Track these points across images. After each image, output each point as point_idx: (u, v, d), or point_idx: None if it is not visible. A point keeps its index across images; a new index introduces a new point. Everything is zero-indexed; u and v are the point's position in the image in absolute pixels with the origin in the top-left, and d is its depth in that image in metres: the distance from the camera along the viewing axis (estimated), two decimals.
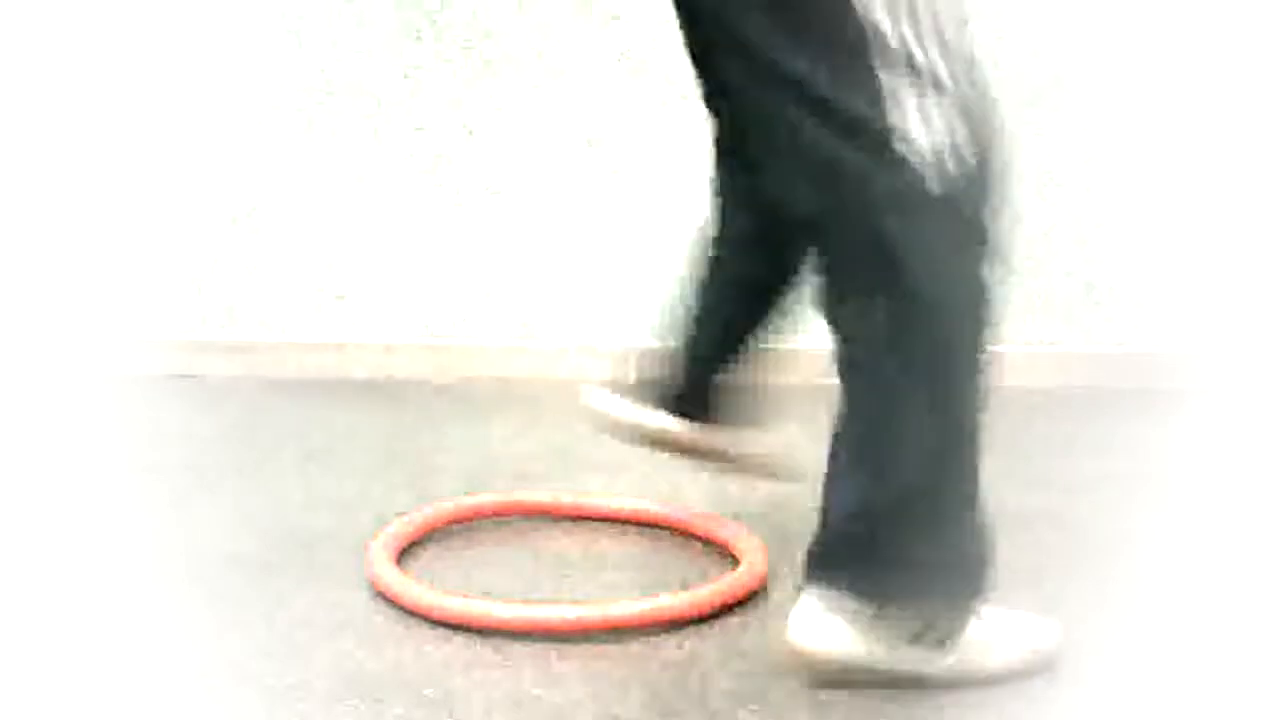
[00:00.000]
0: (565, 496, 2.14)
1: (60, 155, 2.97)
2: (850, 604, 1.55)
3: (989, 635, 1.61)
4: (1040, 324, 3.03)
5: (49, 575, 1.87)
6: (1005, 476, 2.08)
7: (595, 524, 2.10)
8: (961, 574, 1.58)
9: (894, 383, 1.51)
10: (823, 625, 1.56)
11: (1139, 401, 2.80)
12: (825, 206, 1.52)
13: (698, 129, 3.02)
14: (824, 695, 1.56)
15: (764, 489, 2.26)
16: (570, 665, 1.63)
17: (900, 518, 1.53)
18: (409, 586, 1.78)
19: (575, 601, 1.79)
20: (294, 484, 2.26)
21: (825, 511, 1.58)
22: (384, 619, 1.75)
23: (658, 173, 2.98)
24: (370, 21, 2.94)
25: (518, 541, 2.04)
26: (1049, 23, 2.95)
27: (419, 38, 2.93)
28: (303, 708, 1.52)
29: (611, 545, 2.03)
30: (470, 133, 2.96)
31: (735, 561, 1.90)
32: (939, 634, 1.57)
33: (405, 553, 1.94)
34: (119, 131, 2.96)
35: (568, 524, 2.11)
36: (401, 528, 1.96)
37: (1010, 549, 1.99)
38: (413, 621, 1.74)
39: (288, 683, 1.57)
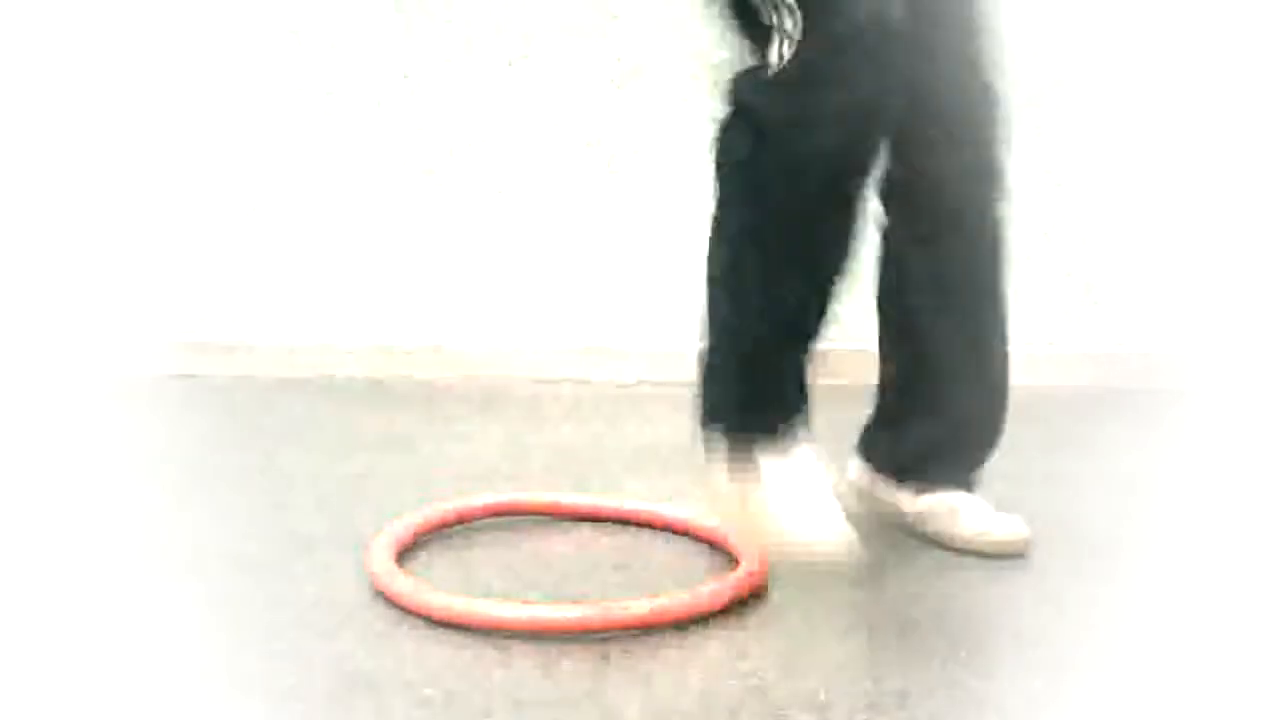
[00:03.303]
0: (565, 497, 2.14)
1: (61, 155, 2.97)
2: None
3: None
4: (1040, 324, 3.03)
5: (49, 575, 1.87)
6: (1005, 476, 2.08)
7: (595, 524, 2.10)
8: None
9: None
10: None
11: (1139, 401, 2.80)
12: None
13: (696, 128, 3.02)
14: (824, 695, 1.56)
15: None
16: (570, 665, 1.62)
17: None
18: (409, 586, 1.77)
19: (575, 601, 1.79)
20: (294, 484, 2.26)
21: None
22: (384, 619, 1.75)
23: (657, 173, 2.97)
24: (370, 21, 2.94)
25: (518, 541, 2.04)
26: (1049, 23, 2.95)
27: (419, 38, 2.93)
28: (303, 708, 1.52)
29: (611, 545, 2.03)
30: (470, 133, 2.96)
31: (735, 561, 1.90)
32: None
33: (405, 553, 1.94)
34: (119, 131, 2.96)
35: (568, 524, 2.10)
36: (401, 528, 1.96)
37: None
38: (413, 621, 1.73)
39: (288, 683, 1.57)
